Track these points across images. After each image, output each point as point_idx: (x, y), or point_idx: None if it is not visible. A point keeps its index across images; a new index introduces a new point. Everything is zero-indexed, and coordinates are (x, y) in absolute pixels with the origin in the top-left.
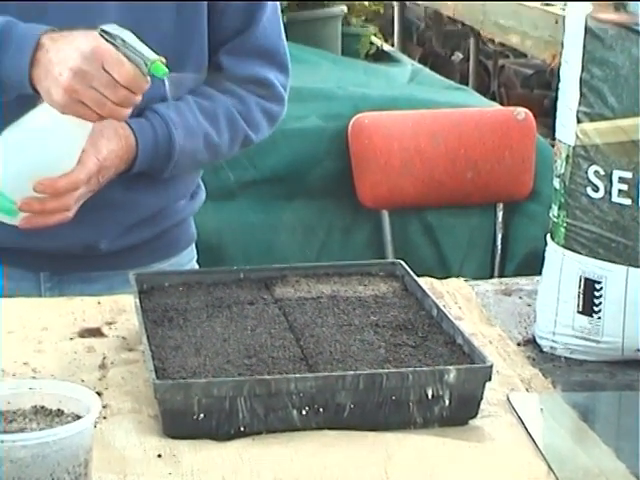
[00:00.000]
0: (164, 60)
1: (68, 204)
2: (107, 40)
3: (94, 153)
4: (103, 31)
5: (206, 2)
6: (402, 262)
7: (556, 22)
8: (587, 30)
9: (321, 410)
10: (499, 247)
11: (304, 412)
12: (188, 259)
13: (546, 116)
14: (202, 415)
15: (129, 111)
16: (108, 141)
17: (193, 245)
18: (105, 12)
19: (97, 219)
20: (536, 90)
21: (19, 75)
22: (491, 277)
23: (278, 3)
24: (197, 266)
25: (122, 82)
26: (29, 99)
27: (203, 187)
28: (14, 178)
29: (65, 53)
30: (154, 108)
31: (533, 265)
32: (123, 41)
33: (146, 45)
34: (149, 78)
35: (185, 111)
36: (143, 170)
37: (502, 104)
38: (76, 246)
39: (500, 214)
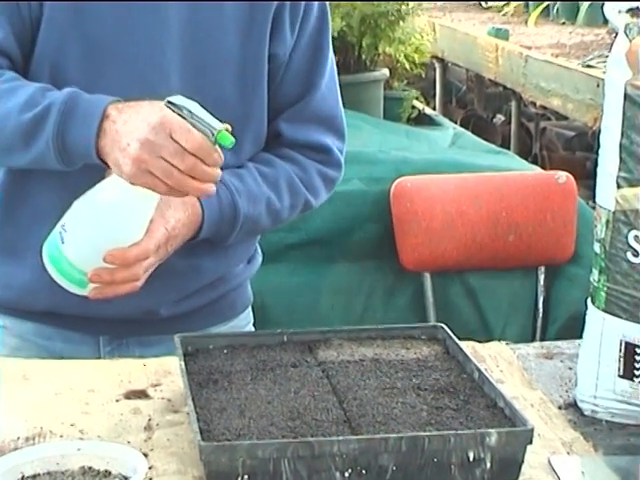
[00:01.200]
0: (230, 128)
1: (137, 274)
2: (173, 110)
3: (162, 223)
4: (169, 102)
5: (266, 68)
6: (444, 325)
7: (597, 85)
8: (626, 97)
9: (364, 472)
10: (541, 310)
11: (347, 474)
12: (245, 322)
13: (588, 178)
14: (246, 476)
15: (204, 185)
16: (175, 210)
17: (250, 308)
18: (167, 77)
19: (158, 286)
20: (578, 152)
21: (86, 146)
22: (533, 340)
23: (335, 69)
24: (253, 329)
25: (190, 149)
26: (95, 168)
27: (260, 251)
28: (84, 250)
29: (132, 124)
30: (221, 178)
31: (575, 328)
32: (190, 112)
33: (211, 114)
34: (218, 147)
35: (247, 178)
36: (208, 237)
37: (544, 166)
38: (136, 312)
39: (542, 277)
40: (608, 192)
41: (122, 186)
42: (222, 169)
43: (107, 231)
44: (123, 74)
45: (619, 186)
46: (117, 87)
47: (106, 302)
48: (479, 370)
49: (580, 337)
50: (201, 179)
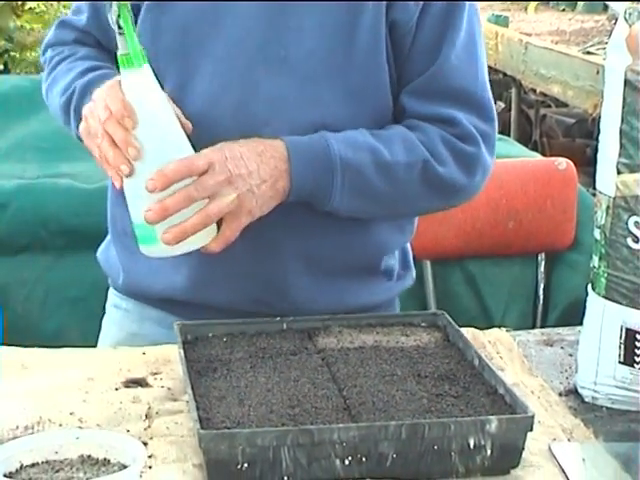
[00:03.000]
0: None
1: (192, 196)
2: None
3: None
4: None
5: (383, 36)
6: (444, 312)
7: (597, 72)
8: (626, 82)
9: (364, 460)
10: (541, 297)
11: (347, 462)
12: None
13: (588, 165)
14: (246, 464)
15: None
16: (238, 143)
17: None
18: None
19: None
20: (578, 139)
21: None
22: (533, 327)
23: (479, 43)
24: None
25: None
26: None
27: (413, 267)
28: (135, 198)
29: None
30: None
31: (575, 315)
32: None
33: None
34: None
35: (351, 132)
36: (307, 186)
37: (544, 153)
38: (246, 301)
39: (542, 264)
40: (608, 178)
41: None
42: None
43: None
44: (216, 67)
45: (619, 172)
46: (208, 81)
47: (216, 288)
48: (479, 357)
49: (580, 324)
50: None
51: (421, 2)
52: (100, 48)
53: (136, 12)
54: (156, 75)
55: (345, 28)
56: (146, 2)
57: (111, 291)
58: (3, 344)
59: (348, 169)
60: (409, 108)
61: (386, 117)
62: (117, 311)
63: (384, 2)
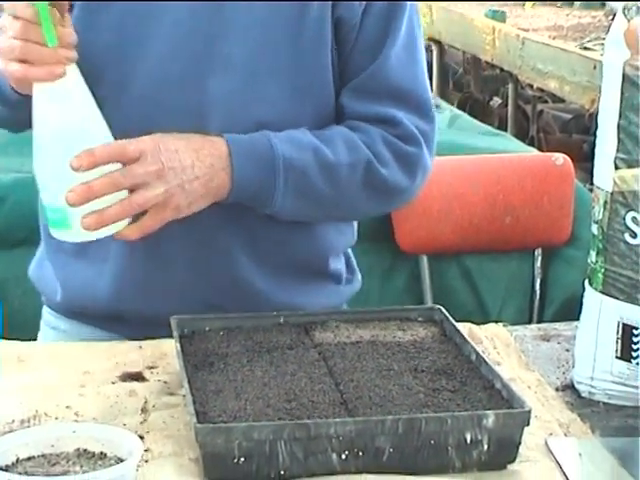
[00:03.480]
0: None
1: (119, 182)
2: None
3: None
4: None
5: (328, 34)
6: (441, 307)
7: (594, 67)
8: (624, 77)
9: (360, 454)
10: (537, 292)
11: (343, 456)
12: None
13: (585, 161)
14: (242, 458)
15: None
16: (175, 136)
17: None
18: (211, 43)
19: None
20: (575, 135)
21: None
22: (529, 322)
23: (419, 44)
24: None
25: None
26: None
27: (358, 272)
28: (51, 180)
29: None
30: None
31: (572, 310)
32: None
33: None
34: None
35: (294, 133)
36: (249, 187)
37: (541, 149)
38: (199, 305)
39: (538, 259)
40: (606, 173)
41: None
42: None
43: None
44: (155, 67)
45: (617, 167)
46: (148, 82)
47: (168, 297)
48: (476, 352)
49: (577, 319)
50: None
51: (364, 2)
52: None
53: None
54: (93, 74)
55: (290, 25)
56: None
57: (45, 310)
58: (3, 338)
59: (292, 169)
60: (349, 107)
61: (330, 116)
62: (54, 332)
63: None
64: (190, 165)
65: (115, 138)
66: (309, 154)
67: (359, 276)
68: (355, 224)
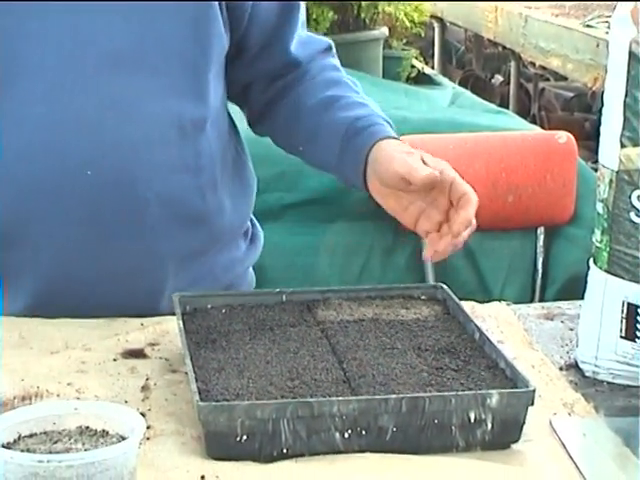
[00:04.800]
0: None
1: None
2: None
3: None
4: None
5: (217, 7)
6: (444, 285)
7: (597, 45)
8: (631, 55)
9: (363, 433)
10: (540, 271)
11: (346, 435)
12: None
13: (587, 139)
14: (245, 437)
15: None
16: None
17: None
18: (105, 19)
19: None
20: (577, 113)
21: None
22: (532, 301)
23: None
24: None
25: None
26: None
27: (260, 229)
28: None
29: None
30: (350, 117)
31: (574, 289)
32: None
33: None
34: None
35: (357, 100)
36: None
37: (542, 127)
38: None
39: (541, 238)
40: (612, 151)
41: None
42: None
43: None
44: (66, 16)
45: (623, 145)
46: (57, 30)
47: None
48: (480, 330)
49: (579, 298)
50: None
51: None
52: None
53: None
54: None
55: (178, 6)
56: None
57: None
58: (3, 314)
59: None
60: (298, 56)
61: (223, 80)
62: None
63: None
64: None
65: (11, 171)
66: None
67: (259, 227)
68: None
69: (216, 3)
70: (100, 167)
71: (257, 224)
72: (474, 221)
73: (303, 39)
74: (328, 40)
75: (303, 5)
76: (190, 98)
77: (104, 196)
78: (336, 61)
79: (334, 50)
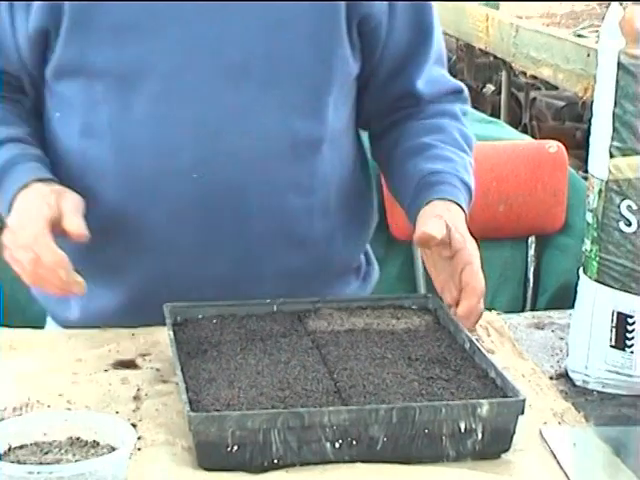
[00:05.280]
0: None
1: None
2: None
3: None
4: None
5: (343, 29)
6: (435, 295)
7: (588, 55)
8: (620, 66)
9: (354, 443)
10: (531, 280)
11: (337, 445)
12: None
13: (577, 148)
14: (236, 447)
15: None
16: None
17: None
18: (231, 36)
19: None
20: (568, 122)
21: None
22: (523, 310)
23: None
24: None
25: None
26: None
27: (376, 263)
28: None
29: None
30: (427, 170)
31: (565, 298)
32: None
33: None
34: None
35: (447, 154)
36: None
37: (534, 136)
38: None
39: (532, 247)
40: (601, 162)
41: None
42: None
43: None
44: (186, 26)
45: (612, 155)
46: (178, 37)
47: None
48: (470, 340)
49: (570, 307)
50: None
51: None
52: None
53: (57, 17)
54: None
55: (305, 24)
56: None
57: (52, 321)
58: (3, 325)
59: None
60: (424, 91)
61: (349, 111)
62: None
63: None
64: None
65: (121, 166)
66: (471, 173)
67: (376, 266)
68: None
69: (343, 27)
70: (209, 173)
71: (374, 261)
72: (482, 308)
73: (433, 77)
74: (460, 84)
75: (440, 43)
76: (307, 117)
77: (209, 201)
78: (461, 107)
79: (464, 94)
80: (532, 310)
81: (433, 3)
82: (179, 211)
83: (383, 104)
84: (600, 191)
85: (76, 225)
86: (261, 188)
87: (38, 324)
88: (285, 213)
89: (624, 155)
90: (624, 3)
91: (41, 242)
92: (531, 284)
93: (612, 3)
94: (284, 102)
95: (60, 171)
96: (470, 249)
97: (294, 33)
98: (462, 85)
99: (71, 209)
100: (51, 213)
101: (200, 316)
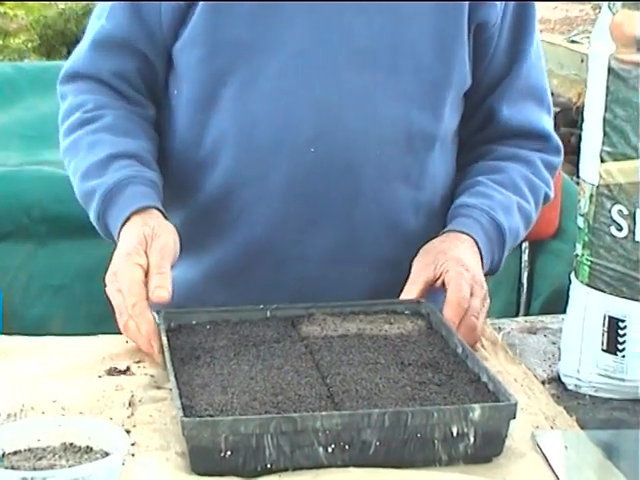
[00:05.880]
0: None
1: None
2: None
3: None
4: None
5: (465, 27)
6: (427, 301)
7: (582, 61)
8: (610, 71)
9: (347, 447)
10: (525, 285)
11: (330, 449)
12: None
13: (572, 154)
14: (229, 452)
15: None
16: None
17: None
18: (351, 31)
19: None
20: (562, 128)
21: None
22: (517, 315)
23: (539, 37)
24: None
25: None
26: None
27: None
28: None
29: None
30: (462, 202)
31: (559, 303)
32: None
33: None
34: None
35: (490, 191)
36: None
37: None
38: None
39: (526, 252)
40: (592, 166)
41: None
42: (430, 139)
43: None
44: (308, 24)
45: (603, 160)
46: (299, 36)
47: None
48: (462, 345)
49: (564, 312)
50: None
51: (503, 2)
52: (132, 101)
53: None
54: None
55: (427, 21)
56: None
57: None
58: (3, 333)
59: (511, 235)
60: (502, 114)
61: (461, 111)
62: None
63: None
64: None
65: (242, 136)
66: (516, 214)
67: None
68: None
69: (465, 29)
70: (325, 149)
71: None
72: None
73: (521, 108)
74: (552, 133)
75: (536, 80)
76: (425, 111)
77: (322, 177)
78: (542, 157)
79: (553, 144)
80: (526, 315)
81: (538, 37)
82: (292, 183)
83: (470, 131)
84: (591, 196)
85: (156, 296)
86: (373, 172)
87: (35, 331)
88: (392, 202)
89: (615, 160)
90: (614, 8)
91: (137, 311)
92: (525, 289)
93: (603, 8)
94: (404, 92)
95: (174, 143)
96: (474, 308)
97: (419, 28)
98: (554, 136)
99: (158, 263)
100: (142, 273)
101: (194, 322)
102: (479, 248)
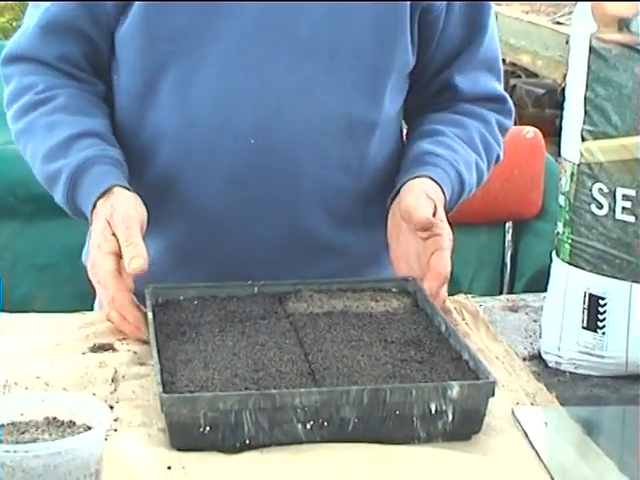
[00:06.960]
0: None
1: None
2: None
3: None
4: None
5: (406, 18)
6: (415, 278)
7: (566, 42)
8: (591, 50)
9: (325, 424)
10: (508, 265)
11: (308, 426)
12: None
13: (558, 135)
14: (208, 428)
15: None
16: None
17: None
18: (294, 19)
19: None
20: (548, 109)
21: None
22: (500, 294)
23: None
24: None
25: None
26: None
27: None
28: None
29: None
30: (427, 149)
31: (542, 282)
32: None
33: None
34: None
35: (455, 145)
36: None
37: (514, 123)
38: None
39: (509, 232)
40: (573, 145)
41: None
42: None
43: None
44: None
45: (583, 139)
46: (241, 29)
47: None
48: (446, 323)
49: (545, 290)
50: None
51: None
52: (81, 81)
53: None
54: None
55: (370, 7)
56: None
57: None
58: (4, 310)
59: (468, 191)
60: (461, 87)
61: (404, 96)
62: None
63: None
64: None
65: (181, 128)
66: (474, 172)
67: None
68: None
69: (407, 16)
70: (266, 140)
71: None
72: (444, 293)
73: (476, 79)
74: (505, 96)
75: (494, 52)
76: (365, 99)
77: (264, 168)
78: (498, 117)
79: (507, 107)
80: (509, 294)
81: (492, 6)
82: (233, 174)
83: (424, 99)
84: (572, 174)
85: (133, 268)
86: (314, 162)
87: (21, 310)
88: (334, 189)
89: (596, 139)
90: None
91: (117, 304)
92: (508, 269)
93: None
94: (344, 82)
95: (117, 127)
96: (446, 236)
97: (359, 18)
98: (508, 99)
99: (125, 235)
100: (116, 260)
101: (181, 297)
102: (445, 202)
